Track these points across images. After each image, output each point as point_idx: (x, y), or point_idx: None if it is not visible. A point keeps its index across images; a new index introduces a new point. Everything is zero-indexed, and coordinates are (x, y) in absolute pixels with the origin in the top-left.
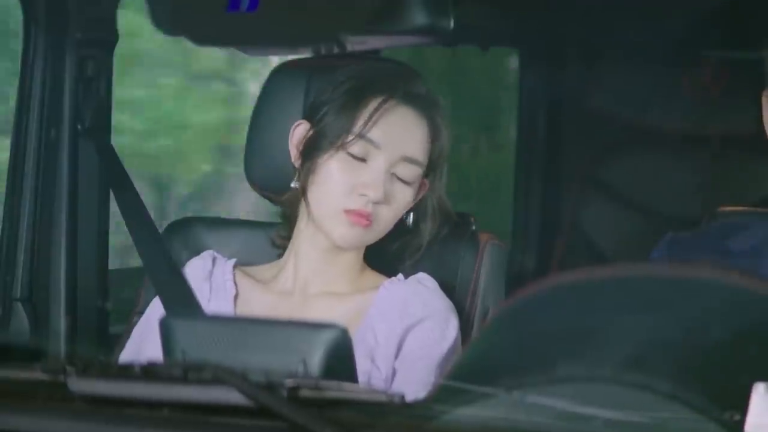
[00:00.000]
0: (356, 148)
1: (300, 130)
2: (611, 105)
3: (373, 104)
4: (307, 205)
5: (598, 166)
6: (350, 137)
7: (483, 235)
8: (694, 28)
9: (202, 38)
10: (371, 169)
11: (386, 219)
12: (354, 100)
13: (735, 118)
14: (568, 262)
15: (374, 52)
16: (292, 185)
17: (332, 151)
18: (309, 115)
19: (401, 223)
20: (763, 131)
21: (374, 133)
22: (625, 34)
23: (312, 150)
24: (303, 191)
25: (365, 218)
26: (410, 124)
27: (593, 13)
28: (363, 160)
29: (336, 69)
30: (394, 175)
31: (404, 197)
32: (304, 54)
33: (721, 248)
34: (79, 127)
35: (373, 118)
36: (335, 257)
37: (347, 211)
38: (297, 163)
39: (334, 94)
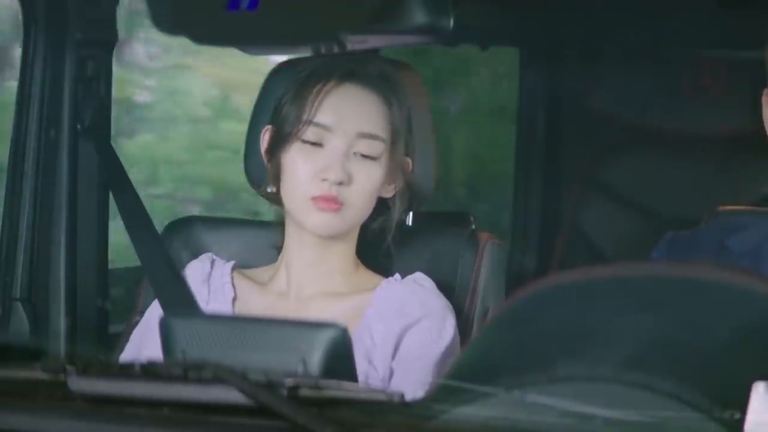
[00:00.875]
0: (309, 134)
1: (267, 135)
2: (611, 105)
3: (317, 88)
4: (283, 202)
5: (598, 166)
6: (302, 125)
7: (483, 235)
8: (695, 27)
9: (202, 37)
10: (327, 152)
11: (358, 200)
12: (302, 89)
13: (735, 118)
14: (568, 262)
15: (374, 52)
16: (268, 190)
17: (290, 144)
18: (272, 118)
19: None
20: (764, 131)
21: (323, 117)
22: (625, 33)
23: (275, 148)
24: (277, 191)
25: (332, 202)
26: (360, 101)
27: (593, 13)
28: (319, 144)
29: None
30: (356, 153)
31: (371, 174)
32: (304, 53)
33: (720, 248)
34: (78, 127)
35: (318, 102)
36: (324, 253)
37: (314, 198)
38: (268, 167)
39: (287, 91)
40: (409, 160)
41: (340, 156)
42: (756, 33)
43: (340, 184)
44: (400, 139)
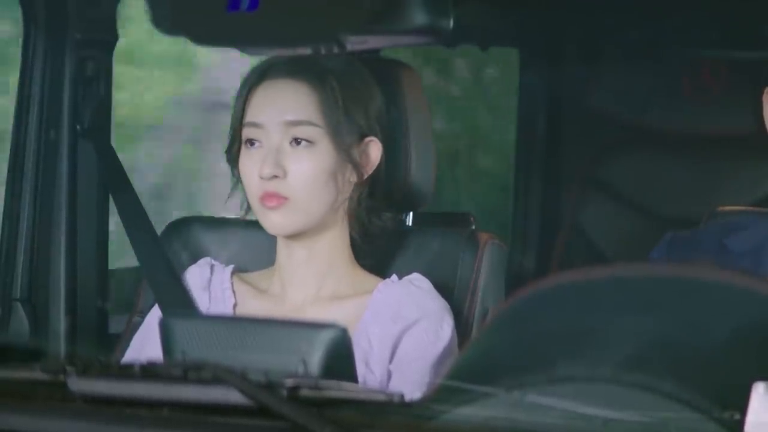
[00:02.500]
0: (246, 135)
1: None
2: (611, 105)
3: (245, 91)
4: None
5: (598, 166)
6: (240, 130)
7: (483, 235)
8: (695, 27)
9: (202, 38)
10: (262, 149)
11: (303, 190)
12: (239, 95)
13: (735, 118)
14: (568, 262)
15: (374, 52)
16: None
17: (237, 150)
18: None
19: (395, 222)
20: (764, 130)
21: (254, 115)
22: (625, 33)
23: (229, 157)
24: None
25: (274, 198)
26: (287, 92)
27: (593, 13)
28: (258, 143)
29: None
30: (292, 143)
31: (312, 160)
32: (304, 54)
33: (720, 248)
34: (78, 127)
35: (249, 102)
36: (311, 254)
37: (261, 198)
38: (234, 179)
39: (232, 101)
40: (375, 142)
41: (273, 151)
42: (756, 33)
43: (275, 177)
44: (337, 121)
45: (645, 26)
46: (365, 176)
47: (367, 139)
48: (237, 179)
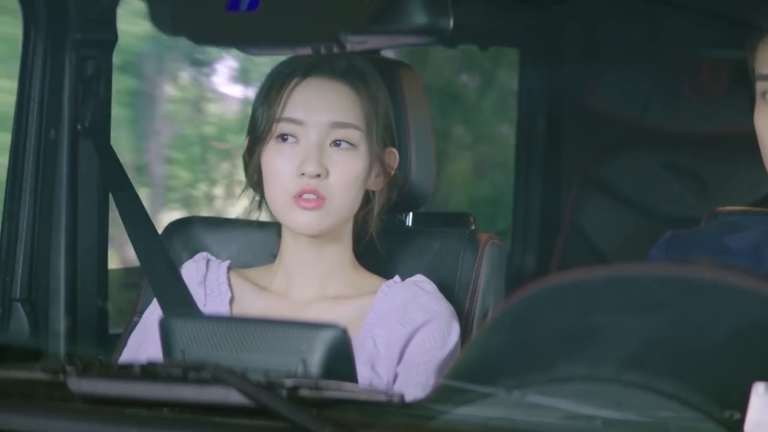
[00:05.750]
0: (282, 130)
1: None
2: (611, 104)
3: (285, 85)
4: (267, 206)
5: (598, 166)
6: (274, 123)
7: (483, 235)
8: (694, 27)
9: (202, 38)
10: (302, 147)
11: (340, 192)
12: (269, 90)
13: (735, 118)
14: (568, 262)
15: (374, 52)
16: (254, 198)
17: (265, 144)
18: (248, 128)
19: (395, 222)
20: None
21: (293, 111)
22: (624, 33)
23: (252, 153)
24: (261, 197)
25: (314, 198)
26: (329, 92)
27: (593, 13)
28: (294, 139)
29: None
30: (332, 145)
31: (350, 164)
32: (304, 54)
33: (720, 248)
34: (78, 127)
35: (286, 98)
36: (319, 254)
37: (296, 197)
38: (249, 174)
39: (257, 96)
40: (395, 152)
41: (315, 149)
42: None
43: (318, 176)
44: (375, 127)
45: (645, 26)
46: (384, 184)
47: (389, 149)
48: (255, 175)
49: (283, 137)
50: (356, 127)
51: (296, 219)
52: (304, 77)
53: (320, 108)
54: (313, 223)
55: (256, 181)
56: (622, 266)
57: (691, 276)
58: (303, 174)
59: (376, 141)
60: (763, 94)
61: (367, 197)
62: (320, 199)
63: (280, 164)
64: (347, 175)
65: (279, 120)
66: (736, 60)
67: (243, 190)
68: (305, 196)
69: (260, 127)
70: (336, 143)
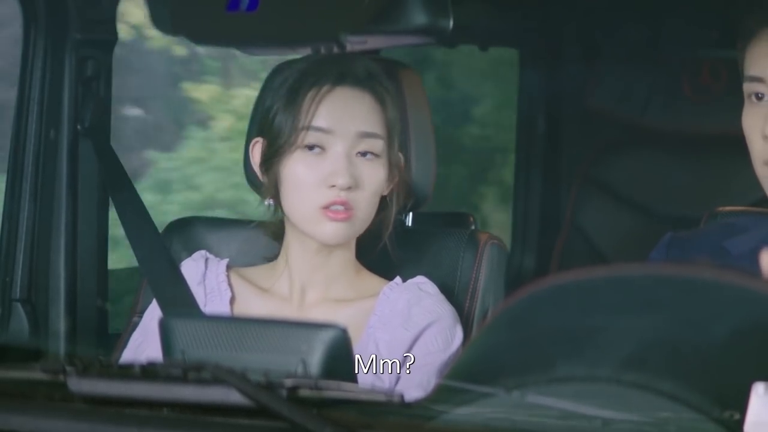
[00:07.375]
0: (309, 140)
1: (257, 148)
2: (611, 104)
3: (312, 93)
4: (285, 214)
5: (598, 166)
6: (300, 132)
7: (483, 235)
8: (694, 27)
9: (202, 38)
10: (331, 157)
11: (366, 203)
12: (294, 96)
13: (735, 118)
14: (568, 262)
15: (374, 52)
16: (266, 203)
17: (288, 153)
18: (260, 129)
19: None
20: None
21: (321, 121)
22: (624, 33)
23: (271, 159)
24: (278, 204)
25: (343, 209)
26: (356, 102)
27: (593, 13)
28: (321, 149)
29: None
30: (358, 155)
31: (376, 174)
32: (304, 54)
33: (720, 248)
34: (78, 127)
35: (314, 106)
36: (327, 259)
37: (324, 208)
38: (264, 180)
39: (275, 100)
40: (401, 155)
41: (344, 160)
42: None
43: (349, 189)
44: (395, 135)
45: (645, 26)
46: (394, 187)
47: (399, 153)
48: (272, 183)
49: (309, 147)
50: (380, 137)
51: (323, 230)
52: (329, 86)
53: (349, 118)
54: (339, 234)
55: (272, 188)
56: (622, 266)
57: (691, 276)
58: (333, 186)
59: (393, 149)
60: (750, 95)
61: (382, 203)
62: (349, 210)
63: (307, 175)
64: (373, 186)
65: (306, 129)
66: (736, 60)
67: (264, 198)
68: (333, 207)
69: (283, 134)
70: (362, 154)
